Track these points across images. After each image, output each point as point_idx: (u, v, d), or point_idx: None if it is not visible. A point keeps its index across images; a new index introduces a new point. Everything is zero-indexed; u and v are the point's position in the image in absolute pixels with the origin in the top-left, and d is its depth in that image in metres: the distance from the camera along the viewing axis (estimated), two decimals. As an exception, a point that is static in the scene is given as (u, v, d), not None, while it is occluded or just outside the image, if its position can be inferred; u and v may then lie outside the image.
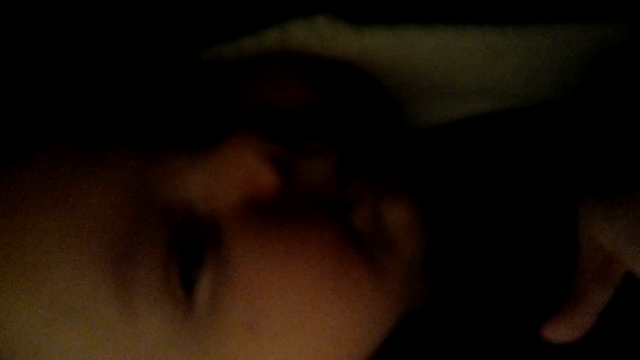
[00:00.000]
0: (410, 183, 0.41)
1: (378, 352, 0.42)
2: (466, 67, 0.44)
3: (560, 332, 0.38)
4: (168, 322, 0.38)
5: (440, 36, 0.42)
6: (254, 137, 0.38)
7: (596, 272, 0.37)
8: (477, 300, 0.45)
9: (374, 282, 0.39)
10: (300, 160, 0.39)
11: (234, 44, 0.44)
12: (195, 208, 0.39)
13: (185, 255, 0.38)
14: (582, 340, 0.39)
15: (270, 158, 0.38)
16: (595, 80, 0.45)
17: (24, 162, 0.38)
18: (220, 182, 0.39)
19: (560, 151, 0.47)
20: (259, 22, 0.43)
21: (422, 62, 0.43)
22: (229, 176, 0.39)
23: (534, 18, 0.42)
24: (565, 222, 0.41)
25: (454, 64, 0.43)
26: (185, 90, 0.42)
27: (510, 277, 0.45)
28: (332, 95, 0.42)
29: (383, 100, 0.45)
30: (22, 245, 0.37)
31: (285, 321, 0.38)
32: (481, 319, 0.44)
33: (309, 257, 0.38)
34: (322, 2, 0.42)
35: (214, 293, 0.38)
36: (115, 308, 0.37)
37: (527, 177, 0.47)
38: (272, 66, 0.44)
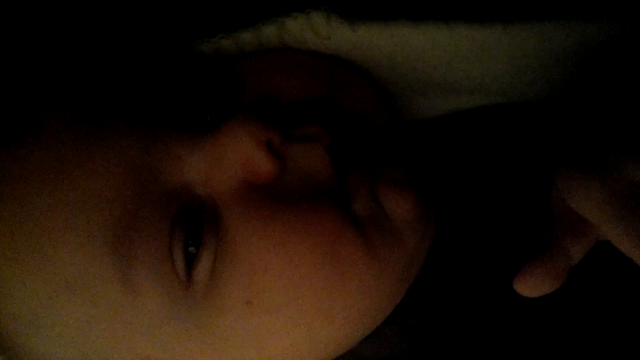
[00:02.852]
0: (412, 176, 0.42)
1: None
2: (454, 63, 0.45)
3: (533, 282, 0.37)
4: (168, 298, 0.39)
5: (429, 32, 0.43)
6: (250, 124, 0.40)
7: (571, 226, 0.37)
8: (465, 275, 0.46)
9: (369, 267, 0.40)
10: (295, 146, 0.40)
11: (233, 37, 0.45)
12: (195, 190, 0.40)
13: (187, 234, 0.39)
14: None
15: (265, 144, 0.40)
16: (580, 77, 0.46)
17: (31, 141, 0.40)
18: (218, 166, 0.40)
19: (544, 144, 0.48)
20: (257, 16, 0.44)
21: (413, 57, 0.45)
22: (226, 161, 0.40)
23: (520, 16, 0.43)
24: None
25: (443, 59, 0.45)
26: (187, 77, 0.43)
27: (499, 259, 0.46)
28: (328, 87, 0.44)
29: (377, 94, 0.46)
30: (27, 221, 0.39)
31: (281, 298, 0.40)
32: (470, 294, 0.46)
33: (306, 237, 0.39)
34: None
35: (212, 270, 0.39)
36: (117, 283, 0.39)
37: (511, 167, 0.49)
38: (270, 58, 0.45)
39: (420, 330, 0.46)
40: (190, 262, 0.39)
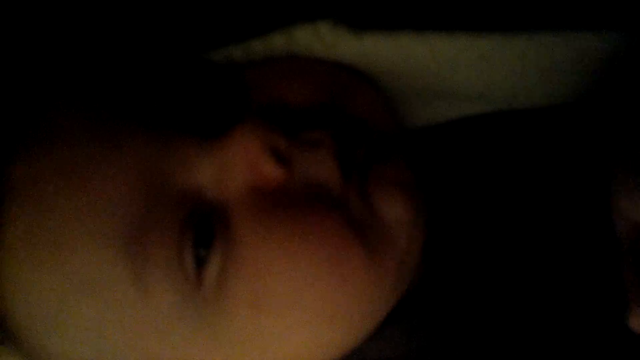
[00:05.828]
0: (405, 178, 0.43)
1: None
2: (456, 71, 0.46)
3: None
4: (178, 297, 0.40)
5: (432, 41, 0.44)
6: (256, 129, 0.40)
7: None
8: (463, 280, 0.47)
9: (368, 269, 0.41)
10: (300, 151, 0.41)
11: (243, 46, 0.46)
12: (206, 194, 0.41)
13: (197, 236, 0.40)
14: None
15: (271, 149, 0.40)
16: (581, 85, 0.47)
17: (48, 146, 0.41)
18: (227, 170, 0.41)
19: (545, 149, 0.49)
20: (266, 26, 0.46)
21: (416, 66, 0.46)
22: (234, 166, 0.41)
23: (520, 26, 0.44)
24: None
25: (445, 68, 0.45)
26: (199, 83, 0.44)
27: (501, 261, 0.47)
28: (334, 93, 0.44)
29: (383, 100, 0.47)
30: (43, 224, 0.40)
31: (285, 299, 0.40)
32: (470, 296, 0.46)
33: (310, 241, 0.40)
34: (326, 8, 0.45)
35: (221, 271, 0.40)
36: (129, 284, 0.40)
37: (513, 172, 0.50)
38: (278, 65, 0.46)
39: (424, 331, 0.46)
40: (201, 264, 0.40)
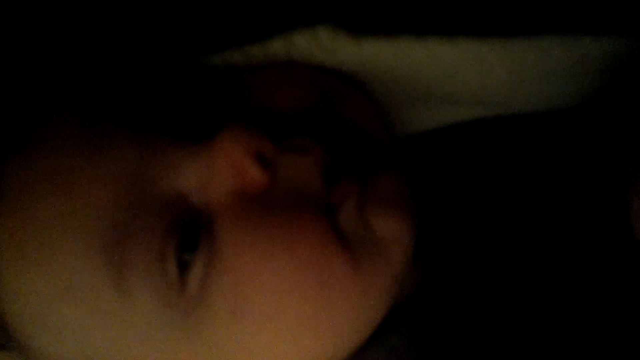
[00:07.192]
0: (401, 193, 0.43)
1: (370, 335, 0.44)
2: (455, 76, 0.46)
3: None
4: (161, 303, 0.40)
5: (431, 46, 0.44)
6: (242, 134, 0.40)
7: None
8: (465, 286, 0.47)
9: (354, 281, 0.41)
10: (286, 157, 0.41)
11: (242, 51, 0.46)
12: (191, 198, 0.41)
13: (181, 240, 0.40)
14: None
15: (255, 154, 0.40)
16: (580, 90, 0.47)
17: (38, 150, 0.41)
18: (212, 175, 0.41)
19: (544, 155, 0.49)
20: (265, 31, 0.46)
21: (415, 70, 0.45)
22: (219, 170, 0.41)
23: (519, 30, 0.44)
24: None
25: (444, 73, 0.45)
26: (191, 87, 0.44)
27: (502, 268, 0.47)
28: (326, 99, 0.44)
29: (375, 107, 0.47)
30: (29, 227, 0.40)
31: (266, 308, 0.40)
32: (469, 303, 0.46)
33: (292, 249, 0.40)
34: (325, 13, 0.45)
35: (204, 277, 0.40)
36: (111, 289, 0.40)
37: (511, 178, 0.50)
38: (273, 72, 0.46)
39: (426, 338, 0.46)
40: (184, 269, 0.40)
